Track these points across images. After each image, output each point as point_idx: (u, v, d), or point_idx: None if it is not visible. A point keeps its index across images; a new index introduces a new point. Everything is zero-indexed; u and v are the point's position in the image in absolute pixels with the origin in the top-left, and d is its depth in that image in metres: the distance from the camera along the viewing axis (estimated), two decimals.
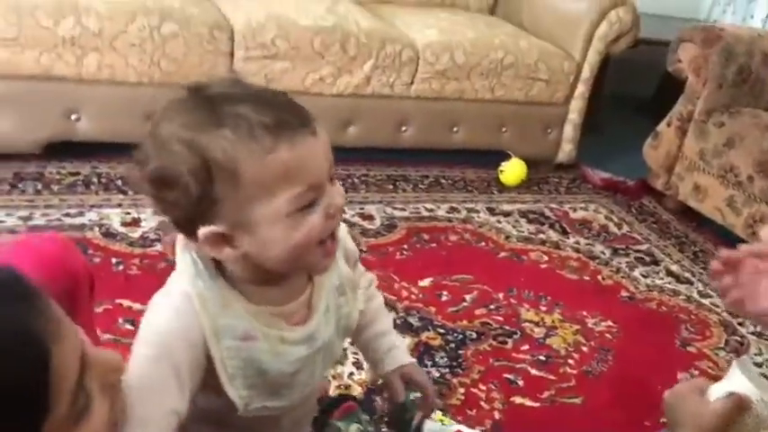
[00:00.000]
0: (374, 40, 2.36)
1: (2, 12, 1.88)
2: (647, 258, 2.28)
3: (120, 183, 2.09)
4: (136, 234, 1.85)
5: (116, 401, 0.65)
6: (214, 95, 0.71)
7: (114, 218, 1.91)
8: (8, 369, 0.52)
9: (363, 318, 0.95)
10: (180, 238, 0.78)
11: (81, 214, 1.90)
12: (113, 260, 1.72)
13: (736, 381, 0.85)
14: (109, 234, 1.83)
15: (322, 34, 2.28)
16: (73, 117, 2.06)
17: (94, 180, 2.09)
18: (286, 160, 0.69)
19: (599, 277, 2.11)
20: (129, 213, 1.94)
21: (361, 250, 1.96)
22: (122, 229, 1.86)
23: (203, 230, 0.71)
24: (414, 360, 1.05)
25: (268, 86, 0.75)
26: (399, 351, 1.02)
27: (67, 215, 1.89)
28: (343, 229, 0.85)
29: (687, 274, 2.22)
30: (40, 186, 2.00)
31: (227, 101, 0.70)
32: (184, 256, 0.76)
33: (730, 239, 2.44)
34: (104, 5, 1.98)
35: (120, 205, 1.98)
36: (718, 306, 2.05)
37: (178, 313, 0.74)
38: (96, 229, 1.84)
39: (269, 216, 0.70)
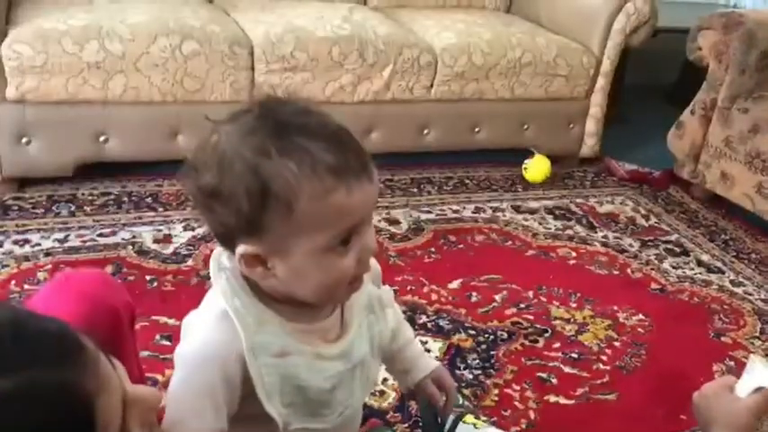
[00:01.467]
0: (392, 47, 2.37)
1: (29, 40, 1.93)
2: (677, 249, 2.27)
3: (150, 200, 2.13)
4: (168, 250, 1.89)
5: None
6: (286, 123, 0.71)
7: (146, 235, 1.95)
8: (55, 426, 0.54)
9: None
10: (214, 258, 0.80)
11: (114, 233, 1.95)
12: (147, 277, 1.76)
13: (760, 374, 0.85)
14: (142, 252, 1.87)
15: (340, 43, 2.30)
16: (101, 139, 2.11)
17: (125, 199, 2.13)
18: (342, 203, 0.70)
19: (628, 271, 2.11)
20: (160, 230, 1.98)
21: (389, 256, 1.99)
22: (155, 246, 1.91)
23: (242, 248, 0.72)
24: (439, 363, 1.07)
25: (332, 119, 0.75)
26: (426, 357, 1.05)
27: (101, 235, 1.93)
28: None
29: (718, 264, 2.20)
30: (73, 208, 2.05)
31: (297, 132, 0.70)
32: (220, 276, 0.78)
33: (761, 226, 2.41)
34: (126, 28, 2.03)
35: (151, 222, 2.02)
36: (751, 294, 2.03)
37: (214, 333, 0.75)
38: (129, 247, 1.89)
39: (309, 250, 0.72)
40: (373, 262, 0.92)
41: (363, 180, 0.72)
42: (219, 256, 0.79)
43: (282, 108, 0.73)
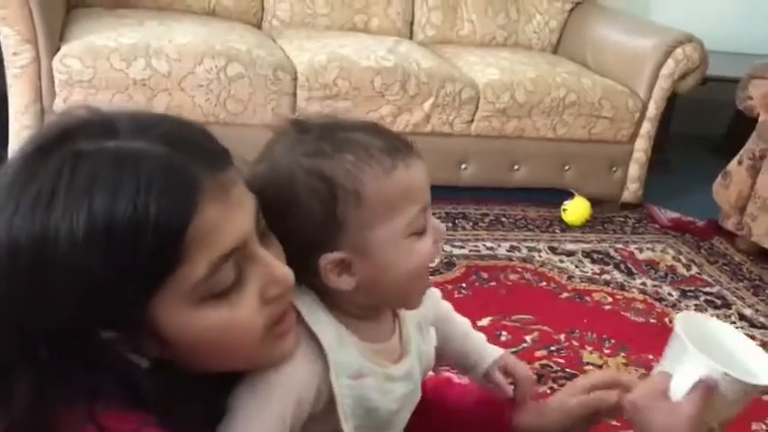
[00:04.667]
0: (434, 80, 2.37)
1: (79, 55, 1.98)
2: (719, 301, 2.19)
3: None
4: None
5: (275, 314, 0.63)
6: (328, 126, 0.73)
7: None
8: (147, 199, 0.53)
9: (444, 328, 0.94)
10: None
11: None
12: None
13: (692, 362, 0.75)
14: None
15: (383, 74, 2.31)
16: None
17: None
18: (404, 179, 0.71)
19: (666, 320, 2.03)
20: None
21: None
22: None
23: (325, 258, 0.71)
24: (506, 351, 1.00)
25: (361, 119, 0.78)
26: (488, 347, 0.99)
27: None
28: None
29: (762, 319, 2.11)
30: None
31: (342, 130, 0.72)
32: (298, 298, 0.73)
33: None
34: (174, 48, 2.06)
35: None
36: None
37: (296, 358, 0.71)
38: None
39: (389, 238, 0.72)
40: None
41: (414, 157, 0.73)
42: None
43: (315, 118, 0.75)
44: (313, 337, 0.72)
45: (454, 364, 1.01)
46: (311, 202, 0.69)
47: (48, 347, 0.55)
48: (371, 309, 0.77)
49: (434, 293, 0.93)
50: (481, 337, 1.00)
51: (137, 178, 0.54)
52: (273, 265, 0.62)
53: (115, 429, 0.55)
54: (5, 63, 1.97)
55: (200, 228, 0.55)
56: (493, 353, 0.98)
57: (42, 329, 0.55)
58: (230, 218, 0.58)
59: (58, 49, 1.99)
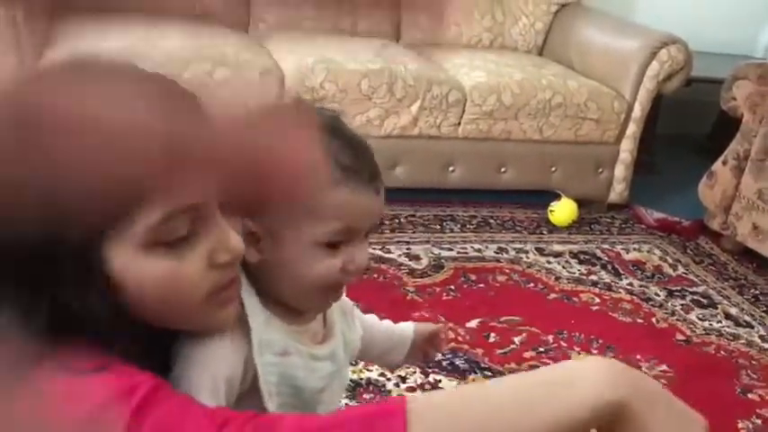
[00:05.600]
0: (421, 82, 2.38)
1: None
2: (704, 301, 2.21)
3: None
4: None
5: (221, 281, 0.64)
6: (325, 121, 0.75)
7: None
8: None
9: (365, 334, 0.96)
10: None
11: None
12: None
13: None
14: None
15: (369, 77, 2.31)
16: None
17: None
18: (343, 200, 0.72)
19: (653, 320, 2.05)
20: None
21: (407, 291, 1.96)
22: None
23: (245, 223, 0.73)
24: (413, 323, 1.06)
25: (358, 133, 0.78)
26: (403, 324, 1.04)
27: None
28: None
29: (747, 318, 2.13)
30: None
31: (321, 128, 0.73)
32: None
33: None
34: (160, 53, 2.06)
35: None
36: None
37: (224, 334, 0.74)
38: None
39: (299, 238, 0.73)
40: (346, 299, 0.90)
41: (370, 189, 0.74)
42: None
43: (319, 110, 0.77)
44: (241, 317, 0.73)
45: (375, 350, 1.04)
46: None
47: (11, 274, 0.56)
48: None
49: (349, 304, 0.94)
50: (390, 323, 1.05)
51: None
52: (226, 231, 0.64)
53: (74, 366, 0.56)
54: None
55: None
56: (409, 326, 1.04)
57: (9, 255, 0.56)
58: None
59: (43, 55, 1.98)
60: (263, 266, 0.75)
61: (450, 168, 2.52)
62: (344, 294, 0.89)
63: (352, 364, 1.14)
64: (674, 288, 2.26)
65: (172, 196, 0.58)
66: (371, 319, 1.03)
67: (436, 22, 2.88)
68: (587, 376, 0.58)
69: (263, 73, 2.19)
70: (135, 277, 0.59)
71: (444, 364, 1.67)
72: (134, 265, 0.59)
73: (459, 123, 2.47)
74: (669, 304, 2.15)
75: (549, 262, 2.30)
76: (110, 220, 0.57)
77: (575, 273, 2.25)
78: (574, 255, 2.38)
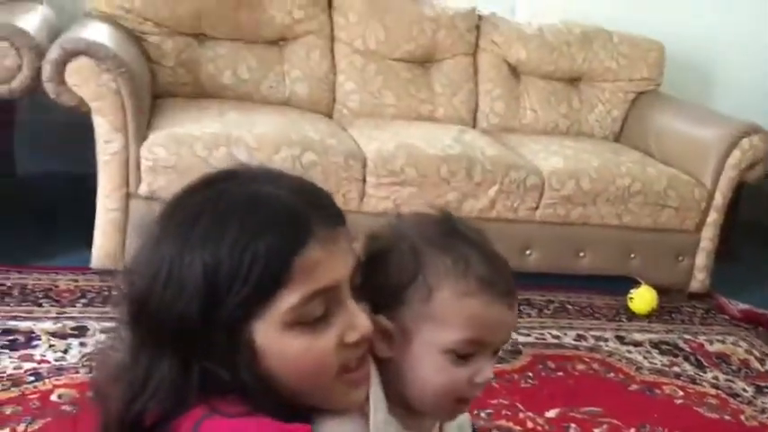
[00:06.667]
0: (499, 167, 2.42)
1: (165, 143, 2.11)
2: None
3: None
4: None
5: (351, 360, 0.70)
6: (459, 230, 0.80)
7: None
8: (268, 231, 0.65)
9: None
10: None
11: None
12: None
13: None
14: None
15: (448, 162, 2.37)
16: None
17: None
18: (476, 312, 0.75)
19: (741, 417, 1.96)
20: None
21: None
22: None
23: (381, 318, 0.76)
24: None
25: (498, 250, 0.82)
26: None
27: None
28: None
29: None
30: None
31: (464, 240, 0.78)
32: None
33: None
34: (253, 138, 2.18)
35: None
36: None
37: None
38: None
39: (430, 342, 0.75)
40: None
41: (504, 304, 0.76)
42: None
43: (460, 220, 0.83)
44: (365, 408, 0.75)
45: None
46: (398, 269, 0.76)
47: (176, 341, 0.66)
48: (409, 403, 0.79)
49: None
50: None
51: (267, 213, 0.67)
52: (357, 313, 0.71)
53: (225, 411, 0.63)
54: (97, 150, 2.10)
55: (303, 263, 0.66)
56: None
57: (173, 326, 0.65)
58: (331, 263, 0.68)
59: (146, 138, 2.12)
60: (393, 364, 0.77)
61: (528, 252, 2.53)
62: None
63: None
64: (764, 384, 2.17)
65: (312, 280, 0.66)
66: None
67: (513, 109, 2.94)
68: None
69: (348, 157, 2.28)
70: (276, 352, 0.66)
71: None
72: (276, 341, 0.66)
73: (537, 207, 2.49)
74: (758, 401, 2.06)
75: (629, 351, 2.25)
76: (259, 302, 0.65)
77: (656, 363, 2.20)
78: (655, 344, 2.32)
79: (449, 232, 0.79)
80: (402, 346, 0.76)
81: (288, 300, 0.66)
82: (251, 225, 0.65)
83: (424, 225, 0.81)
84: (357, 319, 0.70)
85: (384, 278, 0.76)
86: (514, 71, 2.98)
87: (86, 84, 2.01)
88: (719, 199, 2.62)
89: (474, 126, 2.90)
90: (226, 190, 0.69)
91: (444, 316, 0.74)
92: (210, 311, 0.65)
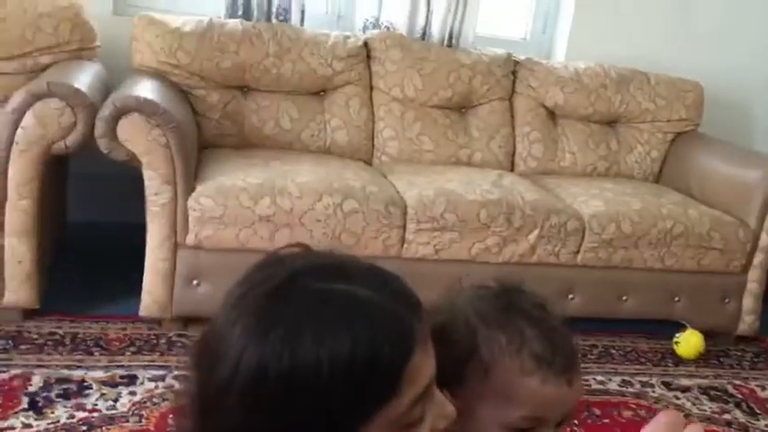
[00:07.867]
0: (539, 212, 2.43)
1: (212, 194, 2.17)
2: None
3: None
4: None
5: None
6: (515, 305, 0.81)
7: None
8: (381, 343, 0.65)
9: None
10: None
11: None
12: None
13: None
14: None
15: (488, 207, 2.39)
16: None
17: None
18: (532, 389, 0.76)
19: None
20: None
21: None
22: None
23: (444, 392, 0.76)
24: None
25: (561, 322, 0.82)
26: None
27: None
28: None
29: None
30: None
31: (520, 315, 0.79)
32: None
33: None
34: (296, 187, 2.23)
35: None
36: None
37: None
38: None
39: (491, 417, 0.77)
40: None
41: (562, 380, 0.77)
42: None
43: (519, 292, 0.83)
44: None
45: None
46: (456, 348, 0.78)
47: None
48: None
49: None
50: None
51: (372, 324, 0.66)
52: (445, 403, 0.72)
53: None
54: (146, 201, 2.17)
55: (411, 368, 0.67)
56: None
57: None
58: (428, 361, 0.70)
59: (194, 189, 2.18)
60: None
61: (570, 296, 2.52)
62: None
63: None
64: None
65: (417, 384, 0.68)
66: None
67: (551, 152, 2.96)
68: None
69: (388, 204, 2.31)
70: None
71: None
72: None
73: (578, 251, 2.48)
74: None
75: (677, 397, 2.21)
76: (371, 410, 0.67)
77: (706, 410, 2.15)
78: (703, 390, 2.28)
79: (506, 307, 0.80)
80: (465, 420, 0.77)
81: (396, 408, 0.67)
82: (362, 338, 0.65)
83: (481, 300, 0.82)
84: (446, 407, 0.72)
85: (443, 355, 0.77)
86: (552, 114, 3.00)
87: (137, 139, 2.09)
88: (765, 240, 2.58)
89: (512, 170, 2.91)
90: (321, 295, 0.68)
91: (501, 394, 0.76)
92: (322, 419, 0.66)
